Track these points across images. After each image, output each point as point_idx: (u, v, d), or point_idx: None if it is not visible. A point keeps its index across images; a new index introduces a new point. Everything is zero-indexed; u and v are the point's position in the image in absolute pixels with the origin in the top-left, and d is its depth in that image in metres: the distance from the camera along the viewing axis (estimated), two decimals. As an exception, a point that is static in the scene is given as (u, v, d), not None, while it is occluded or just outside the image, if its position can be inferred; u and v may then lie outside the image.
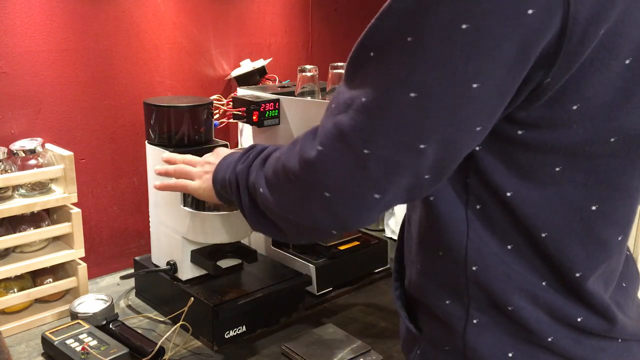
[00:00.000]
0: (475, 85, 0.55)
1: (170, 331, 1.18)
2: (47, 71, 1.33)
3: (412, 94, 0.57)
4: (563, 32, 0.54)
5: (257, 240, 1.49)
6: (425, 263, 0.72)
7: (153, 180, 1.31)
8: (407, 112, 0.58)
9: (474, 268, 0.66)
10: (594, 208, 0.64)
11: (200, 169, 0.99)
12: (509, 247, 0.65)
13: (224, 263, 1.28)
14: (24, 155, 1.25)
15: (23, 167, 1.25)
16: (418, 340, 0.76)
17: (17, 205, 1.21)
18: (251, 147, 0.87)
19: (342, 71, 1.34)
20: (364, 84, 0.61)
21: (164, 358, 1.14)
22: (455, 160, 0.62)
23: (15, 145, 1.26)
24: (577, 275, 0.65)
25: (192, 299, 1.18)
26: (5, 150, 1.24)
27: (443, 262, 0.69)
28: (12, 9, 1.26)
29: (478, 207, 0.65)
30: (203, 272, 1.28)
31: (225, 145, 1.31)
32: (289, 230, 0.76)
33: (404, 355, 0.81)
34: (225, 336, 1.18)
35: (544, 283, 0.66)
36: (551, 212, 0.63)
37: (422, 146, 0.59)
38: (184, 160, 1.04)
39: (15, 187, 1.25)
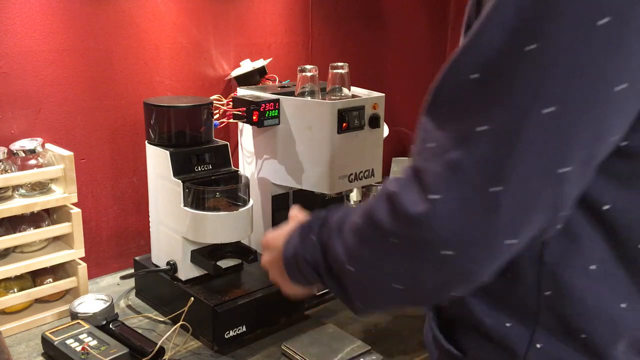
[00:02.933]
0: (619, 88, 0.49)
1: (170, 331, 1.18)
2: (47, 71, 1.33)
3: (548, 110, 0.49)
4: None
5: (257, 240, 1.49)
6: (487, 283, 0.65)
7: (153, 180, 1.31)
8: (544, 132, 0.50)
9: (547, 293, 0.61)
10: None
11: (267, 257, 0.83)
12: (591, 267, 0.60)
13: (224, 263, 1.28)
14: (24, 155, 1.25)
15: (23, 167, 1.25)
16: None
17: (17, 205, 1.21)
18: (309, 224, 0.74)
19: (342, 71, 1.36)
20: (475, 110, 0.53)
21: (164, 358, 1.14)
22: (587, 182, 0.54)
23: (15, 145, 1.26)
24: None
25: (192, 299, 1.18)
26: (5, 150, 1.24)
27: (510, 284, 0.63)
28: (12, 9, 1.26)
29: (560, 226, 0.58)
30: (203, 272, 1.28)
31: (225, 146, 1.31)
32: (395, 300, 0.64)
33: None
34: (225, 336, 1.18)
35: (623, 305, 0.61)
36: None
37: (563, 170, 0.51)
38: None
39: (15, 187, 1.25)
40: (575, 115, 0.50)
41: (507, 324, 0.64)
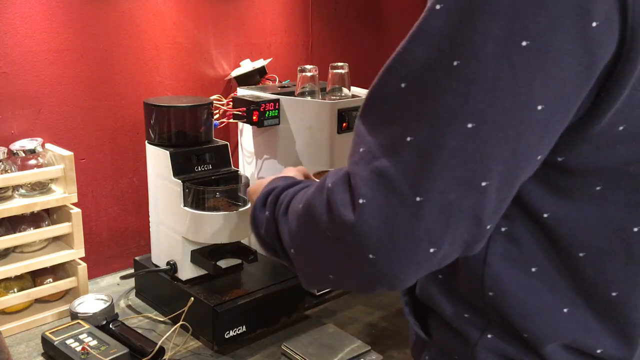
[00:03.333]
0: (540, 107, 0.51)
1: (170, 331, 1.18)
2: (47, 71, 1.33)
3: (470, 125, 0.51)
4: (622, 44, 0.50)
5: (257, 241, 1.49)
6: (447, 276, 0.68)
7: (153, 180, 1.31)
8: (465, 146, 0.52)
9: (490, 294, 0.63)
10: (636, 229, 0.60)
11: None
12: (533, 269, 0.62)
13: (224, 263, 1.28)
14: (24, 155, 1.25)
15: (23, 167, 1.25)
16: (427, 345, 0.74)
17: (17, 205, 1.21)
18: (265, 197, 0.77)
19: (342, 71, 1.36)
20: (402, 120, 0.54)
21: (164, 358, 1.14)
22: (512, 196, 0.56)
23: (15, 145, 1.26)
24: (613, 294, 0.62)
25: (192, 299, 1.18)
26: (5, 150, 1.24)
27: (464, 282, 0.66)
28: (12, 9, 1.26)
29: (504, 229, 0.61)
30: (203, 272, 1.28)
31: (225, 146, 1.31)
32: (332, 285, 0.68)
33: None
34: (225, 336, 1.18)
35: (565, 310, 0.62)
36: (590, 232, 0.60)
37: (484, 184, 0.53)
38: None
39: (15, 187, 1.25)
40: (494, 131, 0.51)
41: (465, 315, 0.67)
